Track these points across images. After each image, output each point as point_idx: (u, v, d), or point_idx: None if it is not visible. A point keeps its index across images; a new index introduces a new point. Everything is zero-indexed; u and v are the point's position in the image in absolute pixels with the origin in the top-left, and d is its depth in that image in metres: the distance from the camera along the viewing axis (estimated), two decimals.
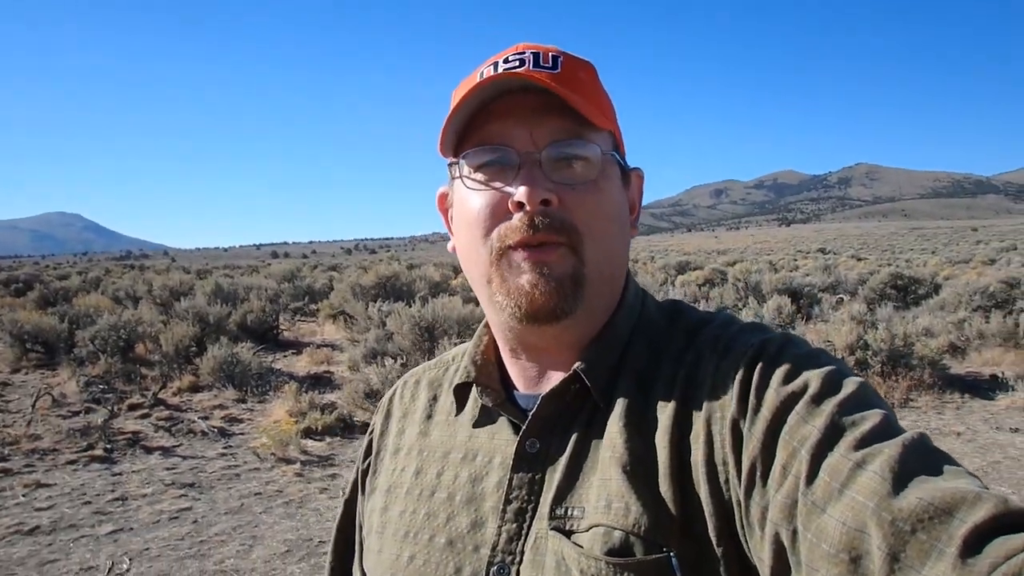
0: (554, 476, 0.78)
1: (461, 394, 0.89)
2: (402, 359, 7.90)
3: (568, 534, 0.73)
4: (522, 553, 0.75)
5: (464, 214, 0.83)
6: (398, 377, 7.28)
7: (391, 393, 1.02)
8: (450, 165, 0.84)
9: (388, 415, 0.99)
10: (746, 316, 11.81)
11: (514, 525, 0.77)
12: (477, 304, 12.52)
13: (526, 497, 0.78)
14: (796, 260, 33.90)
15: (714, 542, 0.68)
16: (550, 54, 0.81)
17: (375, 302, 11.92)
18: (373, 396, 7.21)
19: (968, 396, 7.39)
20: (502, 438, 0.84)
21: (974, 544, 0.51)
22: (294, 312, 16.21)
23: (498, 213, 0.79)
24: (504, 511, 0.78)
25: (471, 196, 0.81)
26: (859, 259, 36.16)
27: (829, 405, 0.65)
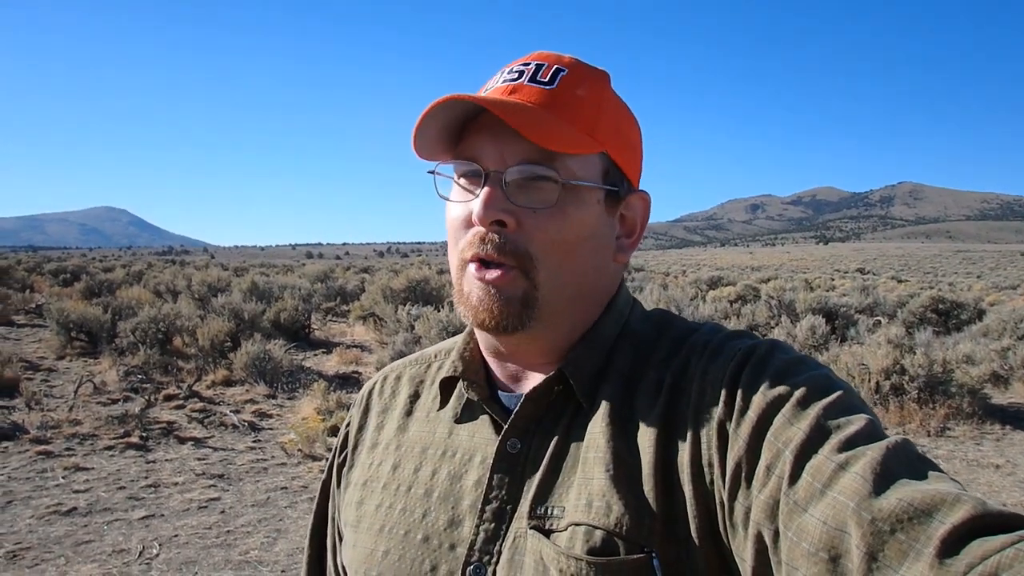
0: (534, 476, 0.78)
1: (447, 388, 0.90)
2: None
3: (547, 533, 0.74)
4: (499, 553, 0.76)
5: (447, 218, 0.85)
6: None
7: (369, 387, 1.01)
8: (429, 171, 0.85)
9: (367, 409, 0.98)
10: (778, 335, 11.68)
11: (492, 524, 0.78)
12: None
13: (505, 496, 0.78)
14: (833, 280, 33.34)
15: (696, 543, 0.69)
16: (553, 67, 0.82)
17: (404, 305, 12.04)
18: None
19: (1009, 428, 7.19)
20: (483, 436, 0.84)
21: (952, 545, 0.52)
22: (326, 312, 16.43)
23: (465, 224, 0.81)
24: (483, 510, 0.79)
25: (450, 205, 0.84)
26: (899, 281, 35.45)
27: (815, 408, 0.66)
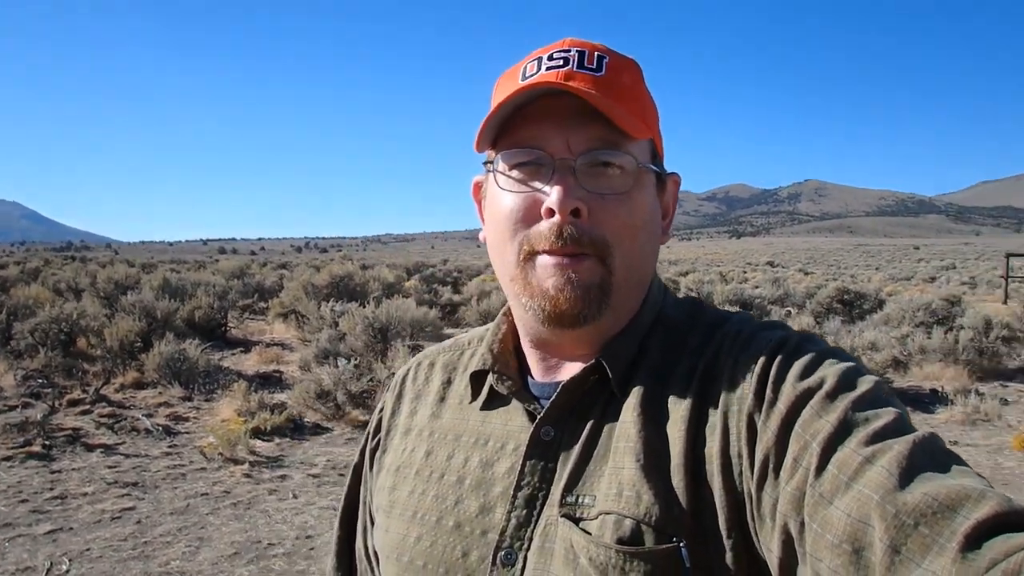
0: (566, 464, 0.78)
1: (477, 381, 0.90)
2: (355, 359, 7.80)
3: (578, 521, 0.74)
4: (530, 539, 0.76)
5: (496, 211, 0.83)
6: (351, 378, 7.22)
7: (403, 373, 1.02)
8: (486, 162, 0.85)
9: (400, 395, 0.99)
10: None
11: (524, 511, 0.78)
12: (431, 306, 12.62)
13: (537, 484, 0.79)
14: (745, 272, 34.59)
15: (724, 534, 0.69)
16: (595, 53, 0.80)
17: (327, 302, 11.77)
18: (324, 397, 7.12)
19: (910, 409, 7.51)
20: (515, 424, 0.84)
21: (975, 541, 0.52)
22: (243, 310, 15.90)
23: (529, 216, 0.80)
24: (515, 497, 0.79)
25: (504, 195, 0.82)
26: (806, 273, 37.08)
27: (843, 401, 0.66)
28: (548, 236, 0.77)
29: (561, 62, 0.79)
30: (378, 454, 0.96)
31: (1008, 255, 23.42)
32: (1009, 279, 21.86)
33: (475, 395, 0.90)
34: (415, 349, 8.90)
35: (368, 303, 10.58)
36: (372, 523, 0.94)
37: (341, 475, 5.67)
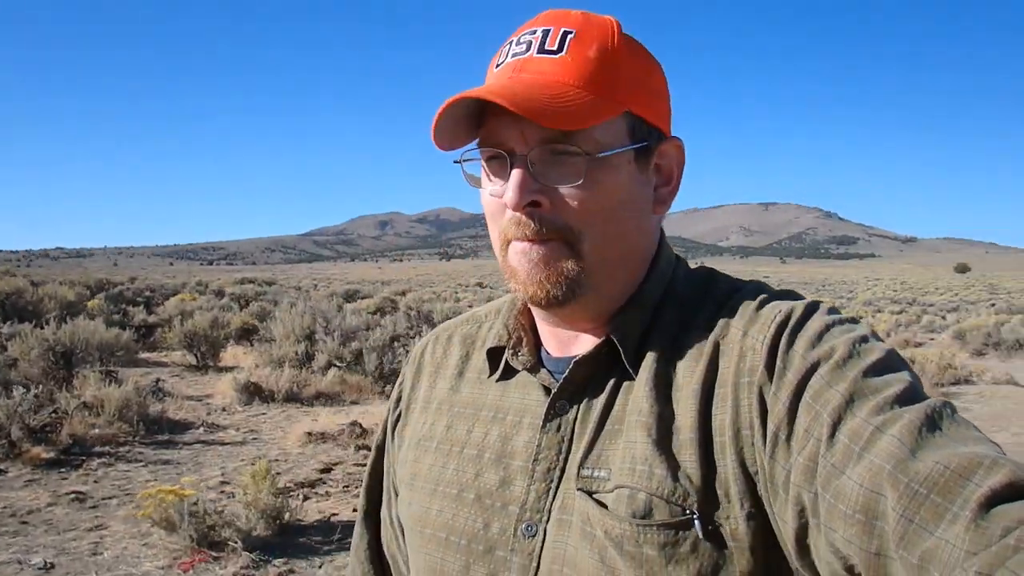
0: (582, 438, 0.79)
1: (494, 357, 0.91)
2: (34, 388, 6.60)
3: (593, 495, 0.75)
4: (550, 512, 0.78)
5: (482, 201, 0.85)
6: (29, 410, 6.09)
7: (421, 346, 1.03)
8: (455, 161, 0.85)
9: (419, 368, 1.00)
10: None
11: (542, 484, 0.79)
12: (123, 328, 11.20)
13: (554, 458, 0.80)
14: (457, 293, 36.01)
15: (737, 506, 0.69)
16: (561, 31, 0.79)
17: None
18: None
19: None
20: (532, 399, 0.85)
21: (989, 508, 0.52)
22: None
23: (499, 208, 0.81)
24: (533, 470, 0.80)
25: (484, 188, 0.84)
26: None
27: (853, 370, 0.66)
28: (512, 228, 0.79)
29: (524, 47, 0.80)
30: (399, 427, 0.98)
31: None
32: None
33: (493, 369, 0.91)
34: (108, 375, 7.84)
35: (47, 324, 9.06)
36: (396, 495, 0.96)
37: (24, 522, 4.73)
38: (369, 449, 5.96)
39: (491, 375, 0.91)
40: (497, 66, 0.82)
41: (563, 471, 0.79)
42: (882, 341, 0.73)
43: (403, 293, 24.29)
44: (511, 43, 0.82)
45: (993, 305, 24.69)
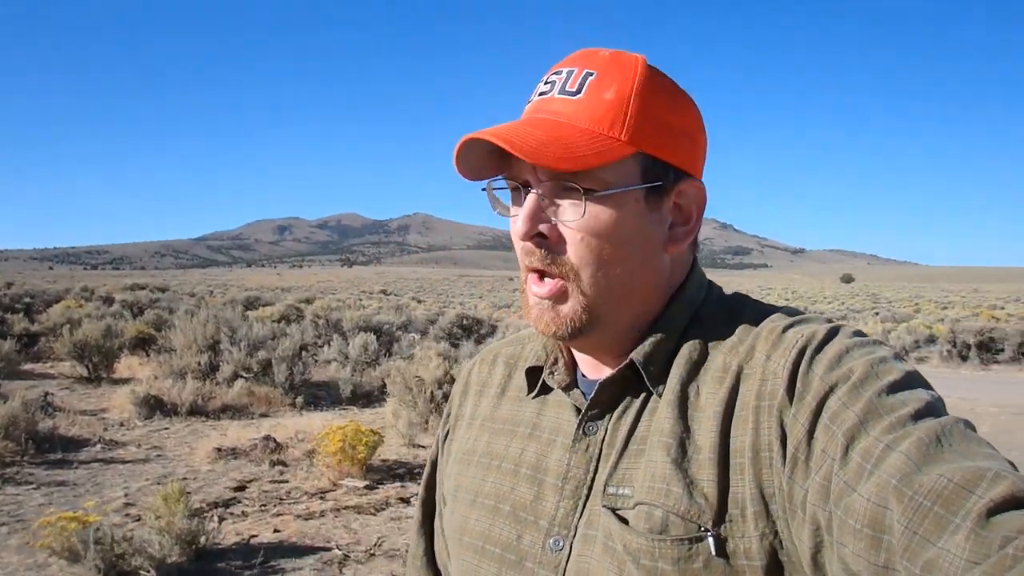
0: (609, 457, 0.82)
1: (532, 376, 0.94)
2: None
3: (617, 511, 0.78)
4: (576, 527, 0.81)
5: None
6: None
7: (470, 366, 1.08)
8: (483, 189, 0.90)
9: (466, 387, 1.05)
10: (330, 354, 11.84)
11: (570, 501, 0.83)
12: (2, 337, 10.32)
13: (582, 476, 0.83)
14: (361, 300, 35.33)
15: (751, 525, 0.71)
16: (583, 73, 0.82)
17: None
18: None
19: None
20: (565, 418, 0.89)
21: (989, 519, 0.54)
22: None
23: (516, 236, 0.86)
24: (563, 487, 0.84)
25: (511, 217, 0.87)
26: (419, 301, 39.32)
27: (870, 391, 0.68)
28: (523, 256, 0.84)
29: (548, 87, 0.84)
30: (447, 443, 1.03)
31: None
32: None
33: (531, 389, 0.94)
34: None
35: None
36: (445, 505, 1.00)
37: None
38: (285, 465, 5.75)
39: (529, 393, 0.94)
40: (529, 101, 0.87)
41: (591, 488, 0.82)
42: (904, 362, 0.74)
43: (308, 301, 23.54)
44: (542, 81, 0.87)
45: (877, 314, 26.35)
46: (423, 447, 7.15)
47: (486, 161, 0.84)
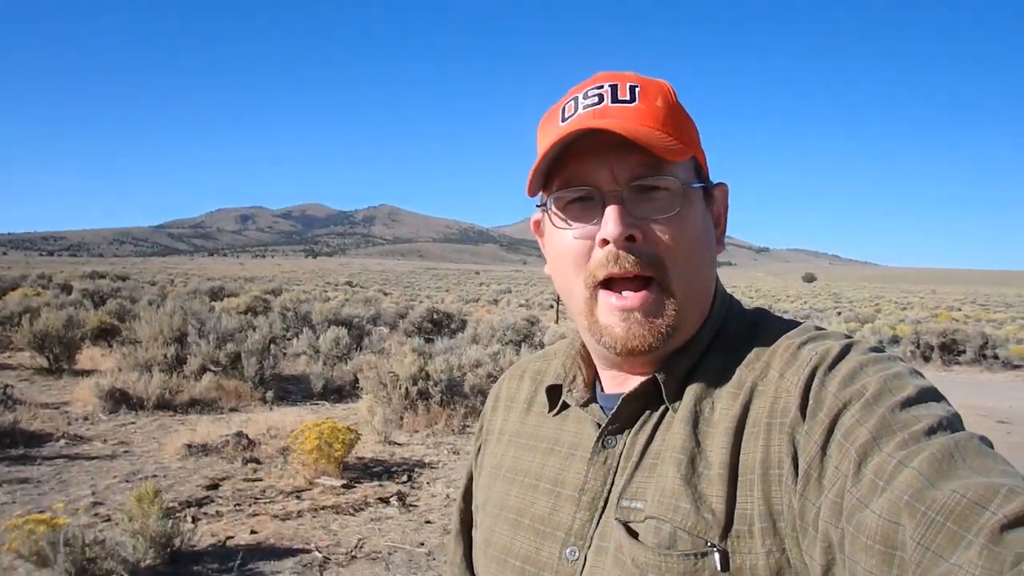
0: (625, 470, 0.83)
1: (553, 394, 0.96)
2: None
3: (628, 525, 0.79)
4: (591, 539, 0.82)
5: (555, 249, 0.89)
6: None
7: (501, 382, 1.11)
8: (539, 204, 0.90)
9: (496, 402, 1.09)
10: (300, 346, 11.62)
11: (586, 513, 0.84)
12: None
13: (599, 488, 0.85)
14: (327, 292, 34.86)
15: (758, 542, 0.71)
16: (628, 84, 0.85)
17: None
18: None
19: None
20: (584, 433, 0.91)
21: (1002, 535, 0.53)
22: None
23: (586, 250, 0.84)
24: (579, 500, 0.85)
25: (561, 233, 0.86)
26: (385, 293, 38.92)
27: (883, 407, 0.68)
28: (607, 264, 0.82)
29: (596, 99, 0.84)
30: (479, 457, 1.06)
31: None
32: (559, 302, 25.92)
33: (552, 406, 0.96)
34: None
35: None
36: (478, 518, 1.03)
37: None
38: (258, 462, 5.60)
39: (550, 411, 0.96)
40: (564, 120, 0.85)
41: (607, 501, 0.83)
42: (920, 377, 0.74)
43: (275, 292, 23.11)
44: (576, 99, 0.86)
45: (840, 313, 26.80)
46: (399, 444, 7.04)
47: (536, 175, 0.85)
